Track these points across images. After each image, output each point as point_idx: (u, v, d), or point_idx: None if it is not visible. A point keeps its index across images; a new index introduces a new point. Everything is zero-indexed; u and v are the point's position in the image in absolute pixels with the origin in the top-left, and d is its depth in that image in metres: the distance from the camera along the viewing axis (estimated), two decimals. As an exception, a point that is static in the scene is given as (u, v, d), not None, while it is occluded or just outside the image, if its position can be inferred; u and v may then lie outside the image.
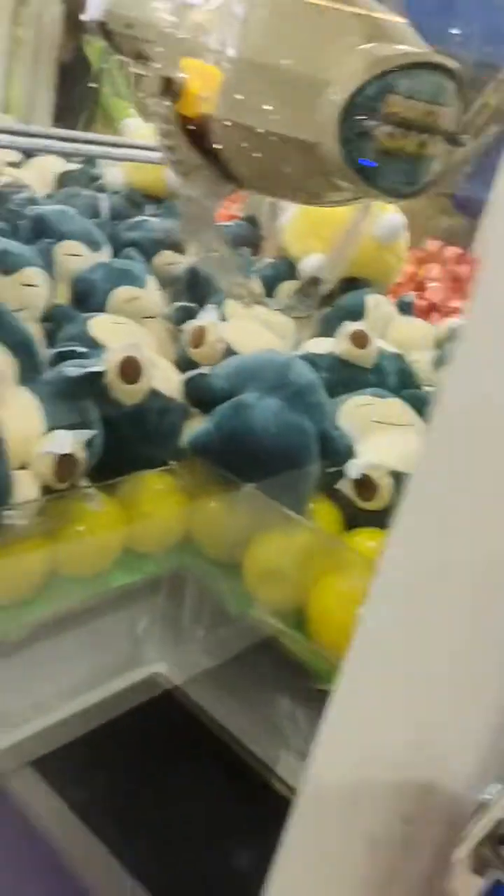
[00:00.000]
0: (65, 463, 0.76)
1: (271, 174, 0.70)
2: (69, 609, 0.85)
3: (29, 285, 0.92)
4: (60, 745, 0.88)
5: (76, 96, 2.36)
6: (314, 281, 1.16)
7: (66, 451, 0.76)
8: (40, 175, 1.62)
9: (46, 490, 0.77)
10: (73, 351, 0.84)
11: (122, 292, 1.02)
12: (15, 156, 1.74)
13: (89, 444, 0.80)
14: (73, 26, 2.18)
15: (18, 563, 0.76)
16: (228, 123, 0.62)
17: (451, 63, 0.59)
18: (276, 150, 0.62)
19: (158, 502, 0.88)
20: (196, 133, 0.72)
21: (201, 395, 0.91)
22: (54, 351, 0.85)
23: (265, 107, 0.61)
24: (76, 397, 0.81)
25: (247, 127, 0.62)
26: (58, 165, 1.73)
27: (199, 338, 0.98)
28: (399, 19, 0.61)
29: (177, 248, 1.21)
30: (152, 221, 1.22)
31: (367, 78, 0.56)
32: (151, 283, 1.08)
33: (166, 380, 0.90)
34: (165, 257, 1.20)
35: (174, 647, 0.97)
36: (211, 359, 0.98)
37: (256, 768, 0.89)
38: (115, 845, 0.79)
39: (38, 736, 0.87)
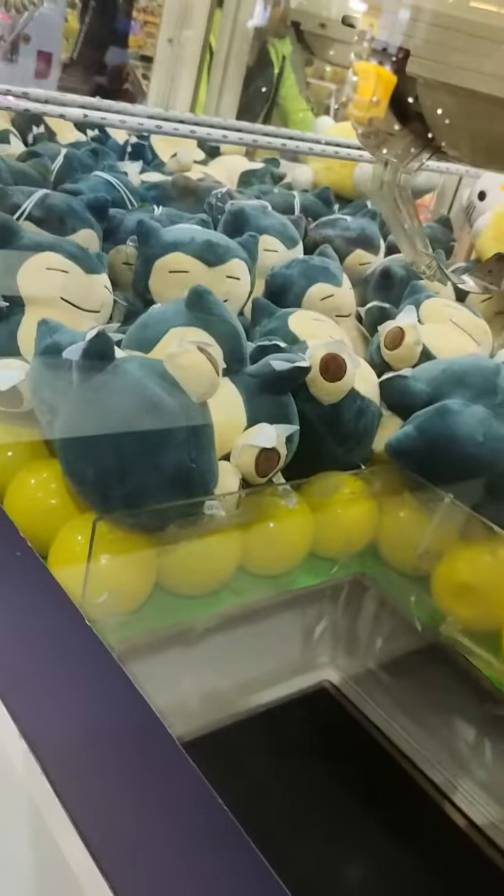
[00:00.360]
0: (267, 457, 0.75)
1: (476, 138, 0.64)
2: (249, 605, 0.84)
3: (233, 277, 0.91)
4: (228, 745, 0.87)
5: (256, 96, 2.39)
6: (501, 257, 1.09)
7: (271, 445, 0.74)
8: (225, 173, 1.64)
9: (244, 483, 0.77)
10: (276, 345, 0.83)
11: (318, 289, 1.01)
12: (199, 154, 1.77)
13: (289, 439, 0.78)
14: (260, 30, 2.21)
15: (213, 555, 0.76)
16: (434, 84, 0.58)
17: None
18: (483, 110, 0.58)
19: (349, 506, 0.85)
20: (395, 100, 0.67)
21: (400, 399, 0.87)
22: (256, 344, 0.84)
23: (472, 64, 0.56)
24: (279, 392, 0.79)
25: (452, 87, 0.58)
26: (241, 164, 1.75)
27: (396, 339, 0.94)
28: None
29: (369, 247, 1.19)
30: (346, 220, 1.20)
31: None
32: (346, 281, 1.05)
33: (364, 380, 0.87)
34: (358, 256, 1.17)
35: (347, 655, 0.95)
36: (407, 362, 0.95)
37: (430, 794, 0.84)
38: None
39: (208, 729, 0.87)
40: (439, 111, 0.69)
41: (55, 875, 0.58)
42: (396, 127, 0.77)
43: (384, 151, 0.79)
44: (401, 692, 0.90)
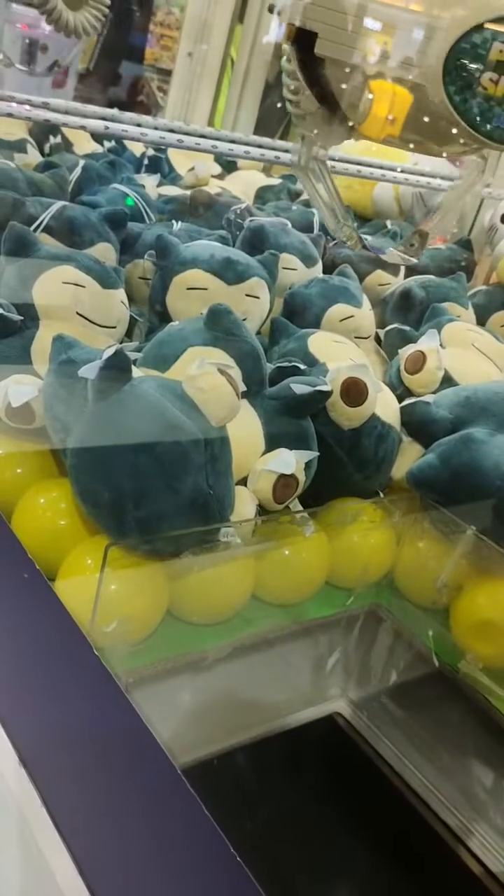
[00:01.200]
0: (285, 483, 0.73)
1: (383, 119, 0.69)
2: (262, 635, 0.81)
3: (252, 296, 0.89)
4: (234, 774, 0.85)
5: (272, 112, 2.39)
6: (423, 233, 1.06)
7: (290, 471, 0.72)
8: (242, 188, 1.63)
9: (261, 509, 0.74)
10: (296, 367, 0.80)
11: (338, 310, 0.98)
12: (216, 168, 1.76)
13: (308, 465, 0.76)
14: (279, 45, 2.20)
15: (227, 583, 0.73)
16: (347, 70, 0.62)
17: None
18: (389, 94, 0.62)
19: (367, 535, 0.82)
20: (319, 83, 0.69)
21: (422, 425, 0.85)
22: (275, 365, 0.82)
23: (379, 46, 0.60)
24: (298, 415, 0.77)
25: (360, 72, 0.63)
26: (258, 179, 1.73)
27: (418, 363, 0.92)
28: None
29: (389, 267, 1.17)
30: (367, 240, 1.17)
31: (473, 24, 0.56)
32: (366, 302, 1.03)
33: (385, 405, 0.85)
34: (378, 277, 1.15)
35: (359, 688, 0.92)
36: (428, 386, 0.92)
37: (443, 837, 0.81)
38: None
39: (214, 759, 0.84)
40: (343, 86, 0.71)
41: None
42: (314, 107, 0.76)
43: (304, 130, 0.79)
44: (414, 728, 0.87)
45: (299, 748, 0.89)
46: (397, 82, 0.67)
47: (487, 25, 0.57)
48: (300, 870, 0.78)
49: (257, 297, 0.90)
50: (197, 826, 0.47)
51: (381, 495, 0.85)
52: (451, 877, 0.79)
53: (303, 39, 0.67)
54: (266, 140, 1.10)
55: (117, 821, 0.54)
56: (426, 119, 0.66)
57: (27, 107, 0.91)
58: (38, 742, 0.63)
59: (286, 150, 1.15)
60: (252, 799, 0.83)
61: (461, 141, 0.67)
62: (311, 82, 0.75)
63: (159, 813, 0.49)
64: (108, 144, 1.64)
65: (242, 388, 0.68)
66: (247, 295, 0.89)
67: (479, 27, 0.56)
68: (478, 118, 0.60)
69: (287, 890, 0.76)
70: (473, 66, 0.56)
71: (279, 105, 2.50)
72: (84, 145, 1.61)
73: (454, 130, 0.66)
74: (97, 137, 1.64)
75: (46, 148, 1.51)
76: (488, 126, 0.60)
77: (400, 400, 0.89)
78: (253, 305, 0.90)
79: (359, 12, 0.63)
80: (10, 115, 0.85)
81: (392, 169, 1.24)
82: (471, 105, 0.59)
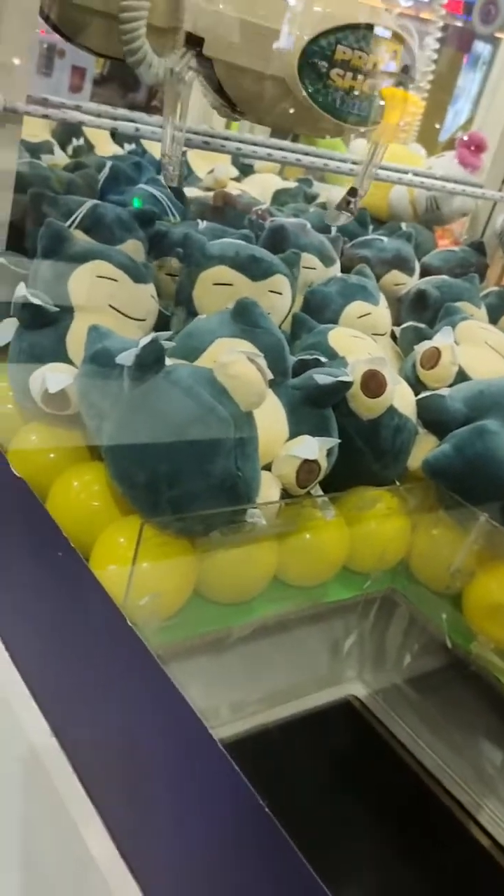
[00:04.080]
0: (308, 468, 0.76)
1: (255, 101, 0.81)
2: (281, 616, 0.85)
3: (275, 292, 0.93)
4: (250, 754, 0.88)
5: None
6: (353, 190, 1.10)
7: (313, 456, 0.75)
8: (259, 191, 1.67)
9: (284, 493, 0.78)
10: (318, 360, 0.84)
11: (356, 307, 1.02)
12: (233, 171, 1.80)
13: (329, 452, 0.79)
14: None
15: (252, 563, 0.77)
16: (225, 61, 0.77)
17: (392, 25, 0.75)
18: (259, 82, 0.76)
19: (384, 521, 0.86)
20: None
21: (437, 416, 0.88)
22: (298, 358, 0.85)
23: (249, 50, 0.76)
24: (321, 405, 0.81)
25: (237, 66, 0.77)
26: (275, 182, 1.77)
27: (433, 359, 0.96)
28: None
29: (405, 268, 1.20)
30: (382, 241, 1.21)
31: (319, 31, 0.71)
32: (383, 300, 1.07)
33: (402, 397, 0.88)
34: (393, 277, 1.19)
35: (375, 670, 0.95)
36: (443, 381, 0.96)
37: (456, 814, 0.84)
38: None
39: (231, 739, 0.87)
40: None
41: (81, 873, 0.59)
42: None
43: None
44: (428, 710, 0.90)
45: (315, 729, 0.92)
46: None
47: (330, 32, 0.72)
48: (314, 844, 0.82)
49: (280, 294, 0.94)
50: (235, 795, 0.49)
51: (398, 484, 0.88)
52: (462, 849, 0.82)
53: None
54: (286, 143, 1.14)
55: (152, 791, 0.56)
56: (294, 110, 0.78)
57: (59, 110, 0.95)
58: (71, 714, 0.66)
59: (306, 154, 1.19)
60: (268, 778, 0.87)
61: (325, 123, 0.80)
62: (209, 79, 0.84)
63: (195, 783, 0.51)
64: (128, 147, 1.68)
65: (269, 375, 0.71)
66: (270, 291, 0.93)
67: (324, 33, 0.71)
68: (332, 105, 0.75)
69: (307, 856, 0.79)
70: (322, 63, 0.71)
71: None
72: (105, 147, 1.65)
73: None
74: (118, 140, 1.68)
75: (69, 150, 1.55)
76: (342, 112, 0.76)
77: (415, 395, 0.93)
78: (276, 301, 0.93)
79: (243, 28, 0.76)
80: (45, 116, 0.89)
81: (406, 172, 1.27)
82: (325, 95, 0.74)
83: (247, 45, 0.74)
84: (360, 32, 0.74)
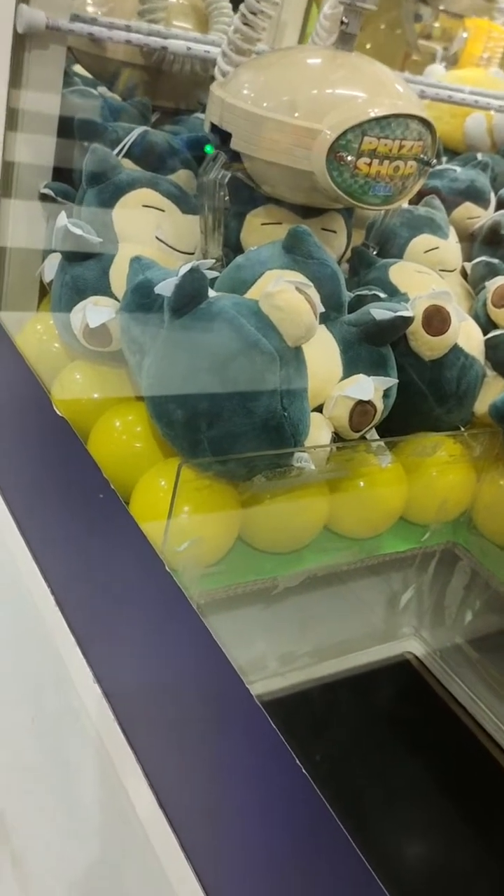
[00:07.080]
0: (362, 410, 0.71)
1: (279, 185, 0.81)
2: (334, 567, 0.81)
3: (329, 230, 0.86)
4: (303, 710, 0.85)
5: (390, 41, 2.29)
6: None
7: (368, 397, 0.70)
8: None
9: (336, 437, 0.73)
10: (375, 295, 0.78)
11: (422, 241, 0.94)
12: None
13: (386, 394, 0.74)
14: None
15: (300, 511, 0.72)
16: (256, 157, 0.77)
17: (418, 111, 0.74)
18: (285, 171, 0.76)
19: (446, 470, 0.80)
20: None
21: (507, 358, 0.81)
22: (354, 293, 0.79)
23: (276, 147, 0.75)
24: (378, 343, 0.75)
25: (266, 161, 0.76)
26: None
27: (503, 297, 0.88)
28: (393, 74, 0.78)
29: (479, 200, 1.11)
30: (455, 170, 1.12)
31: (347, 127, 0.71)
32: (453, 234, 0.99)
33: (469, 337, 0.81)
34: (466, 210, 1.10)
35: (433, 627, 0.90)
36: (515, 320, 0.88)
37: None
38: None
39: (283, 693, 0.84)
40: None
41: (120, 822, 0.57)
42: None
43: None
44: (488, 670, 0.85)
45: (369, 686, 0.88)
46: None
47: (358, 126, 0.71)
48: (368, 801, 0.78)
49: (334, 231, 0.87)
50: (272, 752, 0.47)
51: (462, 430, 0.82)
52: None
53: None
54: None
55: (188, 743, 0.54)
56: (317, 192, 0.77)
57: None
58: (112, 661, 0.63)
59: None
60: (320, 733, 0.84)
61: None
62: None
63: (230, 738, 0.50)
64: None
65: (321, 308, 0.66)
66: (323, 229, 0.86)
67: (353, 127, 0.71)
68: (358, 191, 0.75)
69: (357, 817, 0.76)
70: (350, 157, 0.72)
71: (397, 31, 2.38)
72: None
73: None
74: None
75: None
76: (364, 196, 0.75)
77: (485, 334, 0.86)
78: (329, 240, 0.87)
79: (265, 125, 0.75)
80: (90, 35, 0.85)
81: (487, 96, 1.17)
82: (352, 183, 0.74)
83: (274, 142, 0.74)
84: (386, 120, 0.73)
